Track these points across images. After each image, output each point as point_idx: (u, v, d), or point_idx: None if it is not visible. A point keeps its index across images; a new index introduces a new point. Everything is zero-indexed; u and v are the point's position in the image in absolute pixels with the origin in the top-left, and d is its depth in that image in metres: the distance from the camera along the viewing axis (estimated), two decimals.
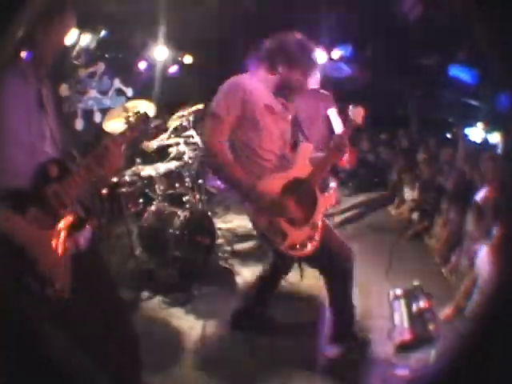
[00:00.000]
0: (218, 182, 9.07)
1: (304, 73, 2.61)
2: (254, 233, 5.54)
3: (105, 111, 5.83)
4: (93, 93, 6.17)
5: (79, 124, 5.32)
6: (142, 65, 7.47)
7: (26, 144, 1.77)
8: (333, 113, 4.61)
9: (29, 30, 1.74)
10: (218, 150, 2.43)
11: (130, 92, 7.39)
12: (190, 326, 3.45)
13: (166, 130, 5.62)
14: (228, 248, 4.91)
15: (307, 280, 3.73)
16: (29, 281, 1.64)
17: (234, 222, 5.98)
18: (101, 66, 6.26)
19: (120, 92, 7.02)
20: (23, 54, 1.84)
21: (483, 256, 3.15)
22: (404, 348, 2.86)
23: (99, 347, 1.95)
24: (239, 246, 5.07)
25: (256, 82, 2.60)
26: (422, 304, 3.16)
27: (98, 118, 6.17)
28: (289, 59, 2.54)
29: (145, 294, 3.92)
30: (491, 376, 1.10)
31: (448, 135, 7.60)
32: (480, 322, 1.27)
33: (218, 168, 2.52)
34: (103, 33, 5.29)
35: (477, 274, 3.18)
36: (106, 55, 6.18)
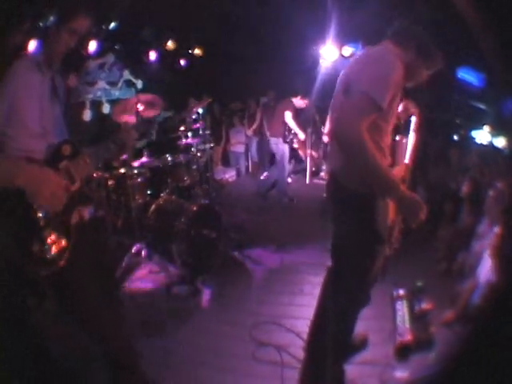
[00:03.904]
0: (226, 176, 9.12)
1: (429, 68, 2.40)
2: (261, 227, 5.62)
3: (113, 102, 5.84)
4: (102, 84, 6.21)
5: (87, 115, 5.34)
6: (152, 57, 7.45)
7: (38, 128, 1.92)
8: None
9: (40, 30, 1.83)
10: (362, 140, 2.04)
11: (139, 84, 7.46)
12: (192, 320, 3.45)
13: (176, 123, 5.63)
14: (234, 242, 4.90)
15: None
16: (32, 242, 1.76)
17: (241, 216, 5.98)
18: (110, 58, 6.31)
19: (130, 83, 7.06)
20: (33, 47, 1.93)
21: (485, 259, 3.13)
22: (404, 349, 2.84)
23: (91, 312, 2.09)
24: (246, 240, 5.06)
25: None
26: (424, 305, 3.14)
27: (106, 109, 6.22)
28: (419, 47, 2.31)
29: (148, 285, 3.94)
30: (489, 379, 1.09)
31: (455, 137, 7.55)
32: (479, 326, 1.26)
33: (362, 156, 2.07)
34: (113, 24, 5.27)
35: (478, 277, 3.16)
36: (116, 47, 6.15)
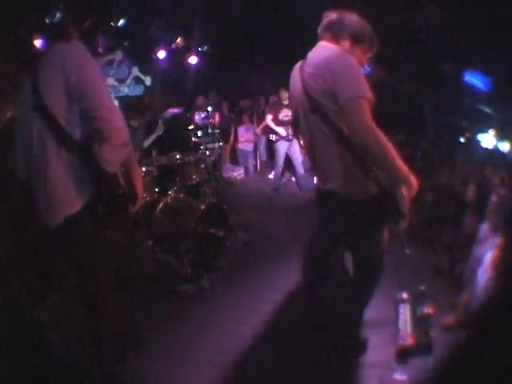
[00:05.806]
0: (235, 174, 9.10)
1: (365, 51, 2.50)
2: (268, 226, 5.61)
3: (122, 99, 5.81)
4: (110, 80, 6.19)
5: None
6: (162, 54, 7.41)
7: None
8: None
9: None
10: (379, 134, 2.17)
11: (148, 81, 7.45)
12: (198, 318, 3.43)
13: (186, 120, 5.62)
14: (241, 241, 4.86)
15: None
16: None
17: (248, 215, 5.95)
18: (119, 55, 6.29)
19: (138, 80, 7.04)
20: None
21: (484, 265, 3.09)
22: (405, 353, 2.81)
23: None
24: (253, 240, 5.03)
25: None
26: (427, 310, 3.11)
27: None
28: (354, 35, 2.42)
29: (154, 283, 3.92)
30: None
31: (462, 139, 7.50)
32: (477, 331, 1.26)
33: (380, 152, 2.19)
34: (122, 21, 5.24)
35: (476, 284, 3.12)
36: (125, 43, 6.12)
